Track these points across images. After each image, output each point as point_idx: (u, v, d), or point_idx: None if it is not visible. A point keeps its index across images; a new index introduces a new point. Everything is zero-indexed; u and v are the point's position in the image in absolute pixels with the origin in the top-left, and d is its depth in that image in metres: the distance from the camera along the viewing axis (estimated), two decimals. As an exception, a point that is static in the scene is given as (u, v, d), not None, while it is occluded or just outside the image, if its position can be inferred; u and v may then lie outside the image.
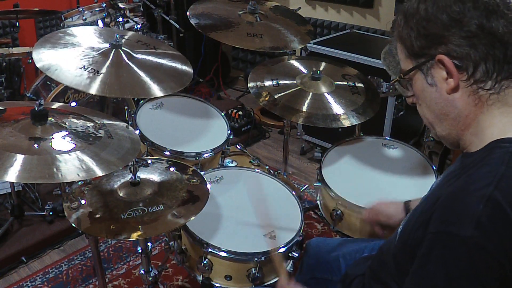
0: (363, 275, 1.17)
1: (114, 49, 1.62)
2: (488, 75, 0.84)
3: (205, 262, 1.44)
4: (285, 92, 1.85)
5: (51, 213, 2.40)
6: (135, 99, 2.39)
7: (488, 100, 0.86)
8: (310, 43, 2.89)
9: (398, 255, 0.96)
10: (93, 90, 1.45)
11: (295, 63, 2.07)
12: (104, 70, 1.52)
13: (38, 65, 1.48)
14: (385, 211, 1.39)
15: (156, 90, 1.56)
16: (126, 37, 1.80)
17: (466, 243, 0.75)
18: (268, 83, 1.89)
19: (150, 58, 1.70)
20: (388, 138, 2.05)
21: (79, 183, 1.48)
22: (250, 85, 1.89)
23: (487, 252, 0.74)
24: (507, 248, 0.75)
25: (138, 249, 1.60)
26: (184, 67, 1.74)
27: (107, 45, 1.64)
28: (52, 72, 1.46)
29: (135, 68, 1.60)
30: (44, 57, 1.52)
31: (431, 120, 0.95)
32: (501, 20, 0.82)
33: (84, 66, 1.51)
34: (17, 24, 2.82)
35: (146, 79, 1.57)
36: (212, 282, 1.47)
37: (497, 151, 0.83)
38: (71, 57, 1.54)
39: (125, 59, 1.61)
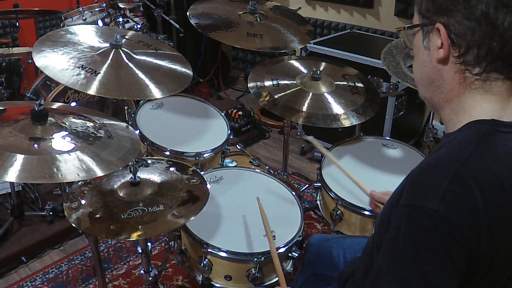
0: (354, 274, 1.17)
1: (114, 49, 1.62)
2: (477, 61, 0.85)
3: (205, 262, 1.44)
4: (285, 92, 1.85)
5: (51, 213, 2.39)
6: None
7: (472, 84, 0.87)
8: (310, 43, 2.89)
9: (376, 240, 0.95)
10: (90, 90, 1.44)
11: (295, 63, 2.07)
12: (102, 70, 1.52)
13: (37, 64, 1.48)
14: None
15: (155, 92, 1.55)
16: (126, 37, 1.80)
17: (431, 216, 0.77)
18: (268, 83, 1.89)
19: (149, 59, 1.70)
20: (388, 138, 2.05)
21: (79, 183, 1.48)
22: (250, 85, 1.89)
23: (452, 224, 0.76)
24: (471, 223, 0.77)
25: (138, 249, 1.60)
26: (183, 69, 1.74)
27: (107, 45, 1.64)
28: (50, 70, 1.46)
29: (134, 69, 1.59)
30: (44, 55, 1.51)
31: (418, 79, 0.97)
32: (510, 16, 0.82)
33: (82, 65, 1.51)
34: (17, 24, 2.82)
35: (145, 80, 1.57)
36: (212, 282, 1.47)
37: (469, 131, 0.85)
38: (70, 56, 1.54)
39: (125, 59, 1.61)
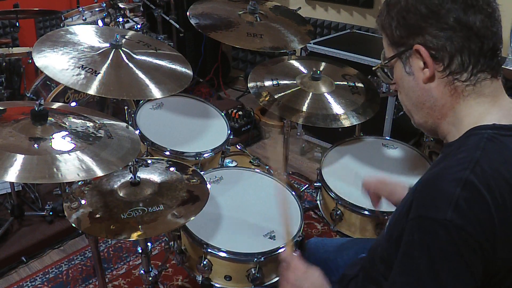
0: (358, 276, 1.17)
1: (114, 49, 1.62)
2: (463, 67, 0.86)
3: (204, 262, 1.44)
4: (285, 92, 1.85)
5: (51, 213, 2.39)
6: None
7: (464, 91, 0.88)
8: (310, 43, 2.89)
9: (386, 250, 0.96)
10: (90, 90, 1.44)
11: (295, 63, 2.07)
12: (102, 70, 1.52)
13: (37, 64, 1.48)
14: (389, 186, 1.38)
15: (155, 92, 1.55)
16: (126, 37, 1.80)
17: (445, 226, 0.76)
18: (268, 83, 1.89)
19: (149, 59, 1.70)
20: (388, 138, 2.05)
21: (79, 183, 1.48)
22: (250, 85, 1.89)
23: (467, 233, 0.76)
24: (485, 229, 0.77)
25: (138, 249, 1.60)
26: (183, 69, 1.73)
27: (107, 45, 1.64)
28: (50, 70, 1.46)
29: (134, 69, 1.59)
30: (44, 55, 1.51)
31: (409, 108, 0.97)
32: (479, 15, 0.84)
33: (83, 65, 1.51)
34: (17, 24, 2.82)
35: (145, 80, 1.57)
36: (211, 283, 1.47)
37: (472, 138, 0.85)
38: (70, 56, 1.54)
39: (125, 59, 1.61)
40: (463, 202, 0.76)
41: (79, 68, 1.49)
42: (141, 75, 1.58)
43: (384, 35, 0.94)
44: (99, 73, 1.50)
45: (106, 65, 1.55)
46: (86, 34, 1.70)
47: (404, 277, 0.82)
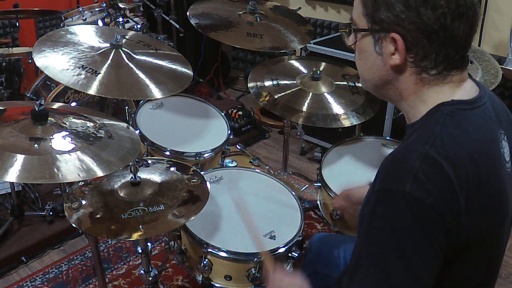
0: None
1: (114, 49, 1.62)
2: (435, 65, 0.87)
3: (204, 262, 1.44)
4: (285, 92, 1.85)
5: (51, 213, 2.40)
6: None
7: (431, 82, 0.89)
8: (310, 43, 2.89)
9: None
10: (90, 90, 1.44)
11: (295, 63, 2.07)
12: (103, 70, 1.52)
13: (38, 64, 1.48)
14: (357, 193, 1.39)
15: (155, 92, 1.55)
16: (126, 37, 1.80)
17: (405, 198, 0.78)
18: (268, 83, 1.89)
19: (149, 59, 1.70)
20: (388, 138, 2.05)
21: (80, 184, 1.49)
22: (250, 85, 1.89)
23: (427, 205, 0.77)
24: (447, 201, 0.78)
25: (138, 249, 1.60)
26: (183, 69, 1.74)
27: (107, 45, 1.64)
28: (50, 70, 1.46)
29: (134, 69, 1.59)
30: (44, 55, 1.51)
31: (366, 77, 0.97)
32: (463, 24, 0.84)
33: (83, 65, 1.51)
34: (17, 24, 2.82)
35: (145, 80, 1.57)
36: (212, 282, 1.47)
37: (433, 115, 0.87)
38: (70, 56, 1.54)
39: (125, 59, 1.61)
40: (421, 174, 0.78)
41: (79, 68, 1.49)
42: (141, 75, 1.58)
43: (363, 5, 0.91)
44: (99, 73, 1.50)
45: (106, 65, 1.55)
46: (86, 34, 1.70)
47: (368, 248, 0.83)
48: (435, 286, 0.84)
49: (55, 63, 1.49)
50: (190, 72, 1.74)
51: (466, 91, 0.90)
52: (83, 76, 1.47)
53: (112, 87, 1.49)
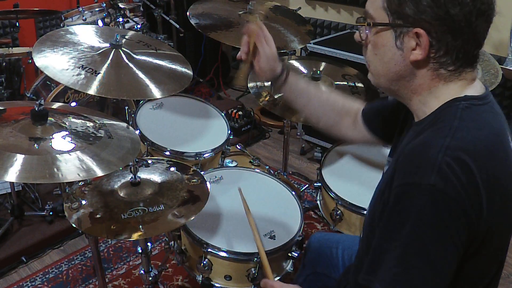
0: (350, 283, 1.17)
1: (114, 49, 1.62)
2: (454, 61, 0.87)
3: (204, 262, 1.44)
4: (285, 92, 1.84)
5: (51, 213, 2.40)
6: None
7: (447, 78, 0.89)
8: (310, 43, 2.89)
9: (369, 235, 0.94)
10: (90, 90, 1.44)
11: (295, 63, 2.07)
12: (102, 70, 1.52)
13: (38, 64, 1.48)
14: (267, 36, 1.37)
15: (155, 92, 1.55)
16: (126, 37, 1.79)
17: (429, 191, 0.77)
18: (268, 83, 1.89)
19: (149, 59, 1.70)
20: (388, 138, 2.05)
21: (80, 184, 1.48)
22: (250, 85, 1.89)
23: (451, 198, 0.77)
24: (470, 194, 0.78)
25: (138, 249, 1.61)
26: (183, 69, 1.73)
27: (107, 45, 1.63)
28: (50, 70, 1.46)
29: (134, 69, 1.59)
30: (44, 55, 1.51)
31: (381, 72, 0.96)
32: (484, 23, 0.85)
33: (83, 65, 1.51)
34: (17, 24, 2.82)
35: (145, 80, 1.57)
36: (211, 282, 1.47)
37: (448, 109, 0.88)
38: (70, 56, 1.54)
39: (125, 59, 1.61)
40: (445, 166, 0.78)
41: (79, 68, 1.49)
42: (141, 75, 1.58)
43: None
44: (99, 73, 1.50)
45: (106, 65, 1.55)
46: (86, 34, 1.70)
47: (387, 242, 0.83)
48: (451, 281, 0.84)
49: (55, 63, 1.49)
50: (190, 72, 1.74)
51: (476, 87, 0.91)
52: (83, 76, 1.47)
53: (112, 87, 1.48)
